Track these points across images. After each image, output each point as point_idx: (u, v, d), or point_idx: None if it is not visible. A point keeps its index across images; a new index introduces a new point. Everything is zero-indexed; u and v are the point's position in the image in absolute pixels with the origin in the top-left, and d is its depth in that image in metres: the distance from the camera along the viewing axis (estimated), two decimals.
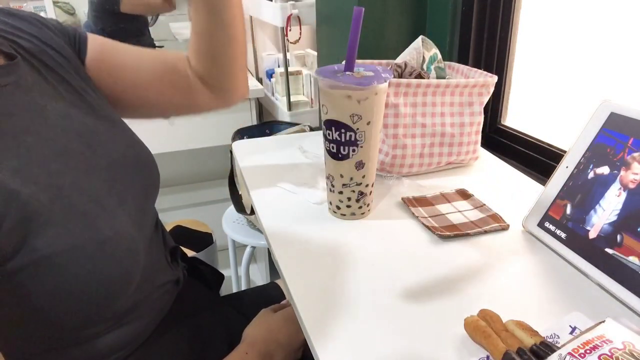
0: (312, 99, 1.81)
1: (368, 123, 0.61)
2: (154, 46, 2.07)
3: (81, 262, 0.46)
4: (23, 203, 0.42)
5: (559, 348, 0.40)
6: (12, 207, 0.42)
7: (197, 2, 0.65)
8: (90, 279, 0.47)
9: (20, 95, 0.48)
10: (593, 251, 0.55)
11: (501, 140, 1.05)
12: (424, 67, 0.86)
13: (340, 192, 0.66)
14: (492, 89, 0.81)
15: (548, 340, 0.44)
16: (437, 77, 0.86)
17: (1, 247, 0.41)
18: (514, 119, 1.07)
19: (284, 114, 1.81)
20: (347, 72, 0.61)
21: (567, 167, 0.62)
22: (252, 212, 0.75)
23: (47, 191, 0.45)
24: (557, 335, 0.46)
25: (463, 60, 1.10)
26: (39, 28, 0.58)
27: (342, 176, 0.65)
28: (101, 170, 0.52)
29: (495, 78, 0.80)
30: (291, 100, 1.77)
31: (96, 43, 0.64)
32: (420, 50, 0.85)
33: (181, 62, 0.70)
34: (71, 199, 0.47)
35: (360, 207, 0.68)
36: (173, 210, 2.23)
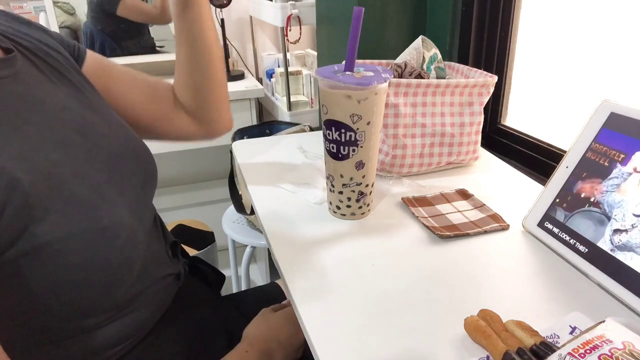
0: (312, 99, 1.81)
1: (368, 123, 0.61)
2: (154, 46, 2.08)
3: (81, 249, 0.47)
4: (25, 191, 0.43)
5: (559, 348, 0.40)
6: (14, 195, 0.42)
7: (179, 37, 0.70)
8: (90, 266, 0.48)
9: (19, 88, 0.49)
10: (593, 251, 0.55)
11: (501, 140, 1.05)
12: (424, 67, 0.86)
13: (340, 192, 0.66)
14: (492, 89, 0.81)
15: (548, 340, 0.44)
16: (437, 77, 0.86)
17: (3, 233, 0.42)
18: (514, 119, 1.07)
19: (284, 114, 1.81)
20: (347, 72, 0.61)
21: (567, 167, 0.62)
22: (252, 212, 0.76)
23: (47, 179, 0.46)
24: (557, 335, 0.46)
25: (463, 60, 1.10)
26: (39, 32, 0.60)
27: (342, 176, 0.65)
28: (100, 161, 0.53)
29: (495, 78, 0.80)
30: (291, 100, 1.77)
31: (93, 59, 0.66)
32: (420, 50, 0.85)
33: (169, 92, 0.75)
34: (71, 188, 0.47)
35: (360, 207, 0.68)
36: (173, 210, 2.23)
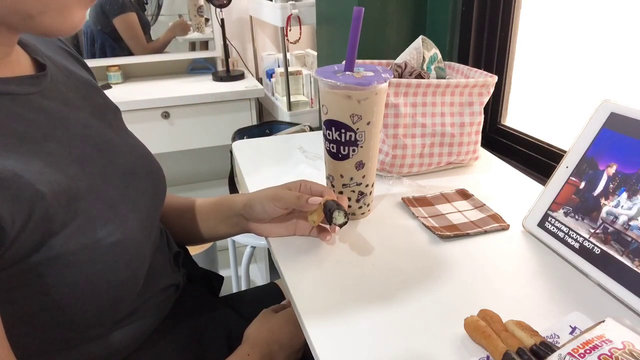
0: (312, 99, 1.81)
1: (368, 123, 0.61)
2: None
3: (92, 263, 0.48)
4: (46, 204, 0.44)
5: (559, 348, 0.40)
6: (37, 207, 0.43)
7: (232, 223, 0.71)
8: (100, 279, 0.49)
9: (45, 104, 0.51)
10: (593, 251, 0.55)
11: (501, 140, 1.05)
12: (424, 67, 0.86)
13: (340, 192, 0.66)
14: (492, 89, 0.81)
15: (548, 340, 0.44)
16: (437, 77, 0.86)
17: (25, 244, 0.43)
18: (514, 119, 1.07)
19: (284, 114, 1.81)
20: (347, 72, 0.61)
21: (567, 167, 0.62)
22: None
23: (66, 194, 0.47)
24: (557, 335, 0.46)
25: (463, 60, 1.10)
26: (79, 62, 0.64)
27: (342, 176, 0.65)
28: (116, 177, 0.55)
29: (495, 78, 0.80)
30: (291, 100, 1.77)
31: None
32: (420, 50, 0.85)
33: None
34: (87, 202, 0.49)
35: (360, 207, 0.68)
36: None
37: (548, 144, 0.93)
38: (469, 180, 0.81)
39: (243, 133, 1.68)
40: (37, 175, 0.45)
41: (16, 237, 0.42)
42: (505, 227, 0.66)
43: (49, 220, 0.44)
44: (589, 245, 0.56)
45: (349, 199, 0.66)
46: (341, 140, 0.62)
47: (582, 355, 0.38)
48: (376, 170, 0.69)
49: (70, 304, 0.48)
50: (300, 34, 1.62)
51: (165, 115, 1.81)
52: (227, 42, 1.98)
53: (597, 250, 0.54)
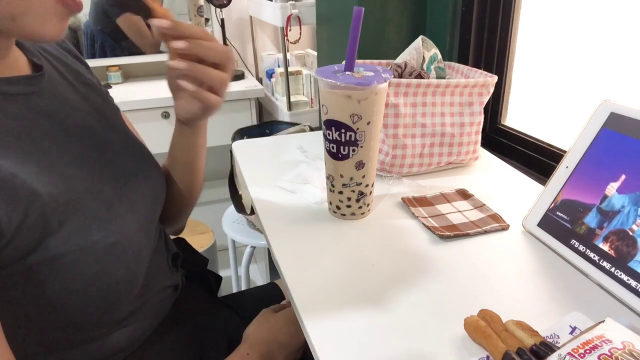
0: (312, 99, 1.81)
1: (368, 123, 0.61)
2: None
3: (90, 263, 0.48)
4: (43, 204, 0.44)
5: (559, 348, 0.40)
6: (34, 207, 0.44)
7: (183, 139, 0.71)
8: (97, 280, 0.49)
9: (42, 103, 0.51)
10: (593, 251, 0.55)
11: (501, 140, 1.05)
12: (424, 67, 0.86)
13: (340, 192, 0.66)
14: (492, 89, 0.81)
15: (548, 340, 0.44)
16: (437, 77, 0.86)
17: (21, 244, 0.43)
18: (514, 119, 1.07)
19: (284, 114, 1.81)
20: (347, 72, 0.61)
21: (567, 167, 0.62)
22: (252, 212, 0.76)
23: (63, 194, 0.47)
24: (557, 335, 0.46)
25: (463, 60, 1.10)
26: (80, 62, 0.64)
27: (342, 176, 0.65)
28: (114, 178, 0.55)
29: (495, 78, 0.80)
30: (291, 100, 1.77)
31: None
32: (420, 50, 0.85)
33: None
34: (85, 203, 0.49)
35: (360, 207, 0.68)
36: None
37: (548, 144, 0.93)
38: (469, 180, 0.81)
39: (243, 133, 1.68)
40: (33, 175, 0.44)
41: (12, 237, 0.42)
42: (505, 227, 0.66)
43: (45, 221, 0.44)
44: (588, 245, 0.55)
45: (349, 199, 0.66)
46: (341, 140, 0.62)
47: (582, 355, 0.38)
48: (376, 170, 0.69)
49: (68, 305, 0.48)
50: (300, 34, 1.62)
51: (165, 115, 1.81)
52: (227, 42, 1.98)
53: (597, 250, 0.54)
